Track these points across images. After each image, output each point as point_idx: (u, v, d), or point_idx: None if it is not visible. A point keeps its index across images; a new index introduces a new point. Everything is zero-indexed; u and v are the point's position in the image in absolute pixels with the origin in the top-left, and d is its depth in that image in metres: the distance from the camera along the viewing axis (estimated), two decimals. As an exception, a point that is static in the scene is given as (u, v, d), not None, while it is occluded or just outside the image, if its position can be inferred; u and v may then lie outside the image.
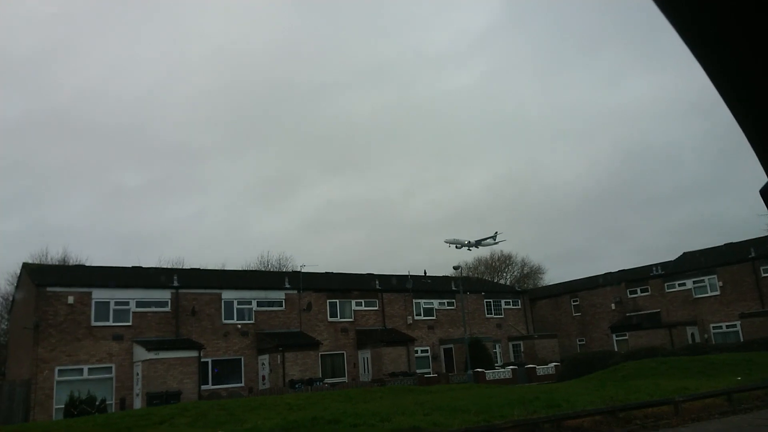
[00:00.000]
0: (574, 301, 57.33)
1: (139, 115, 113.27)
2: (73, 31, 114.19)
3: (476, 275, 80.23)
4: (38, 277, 35.58)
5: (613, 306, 53.21)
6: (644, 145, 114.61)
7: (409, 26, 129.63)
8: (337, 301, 44.13)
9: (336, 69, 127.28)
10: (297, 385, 36.23)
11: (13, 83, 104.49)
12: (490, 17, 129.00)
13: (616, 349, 46.78)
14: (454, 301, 49.47)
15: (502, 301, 53.69)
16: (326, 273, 49.15)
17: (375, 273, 50.30)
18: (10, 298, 49.92)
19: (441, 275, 58.41)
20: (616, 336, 49.58)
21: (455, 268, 48.42)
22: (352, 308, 44.75)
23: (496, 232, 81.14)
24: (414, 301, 47.86)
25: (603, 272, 58.07)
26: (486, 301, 52.35)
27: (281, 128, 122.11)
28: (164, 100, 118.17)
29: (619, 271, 56.84)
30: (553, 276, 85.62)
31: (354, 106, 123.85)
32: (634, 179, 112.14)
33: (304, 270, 46.37)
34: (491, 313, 52.39)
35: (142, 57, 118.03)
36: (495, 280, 77.06)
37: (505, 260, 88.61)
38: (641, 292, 52.01)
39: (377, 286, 46.76)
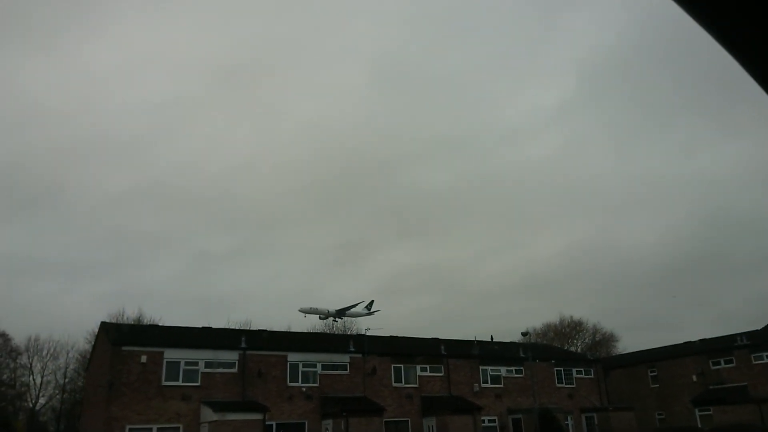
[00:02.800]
0: (651, 372, 54.24)
1: (229, 186, 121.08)
2: (175, 115, 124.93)
3: (545, 341, 77.52)
4: (114, 336, 36.88)
5: (694, 378, 49.95)
6: (725, 212, 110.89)
7: (486, 102, 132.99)
8: (402, 366, 43.40)
9: (413, 141, 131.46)
10: (360, 453, 35.41)
11: (121, 160, 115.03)
12: (566, 93, 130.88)
13: (699, 425, 43.61)
14: (522, 368, 47.74)
15: (574, 370, 51.31)
16: (391, 337, 48.68)
17: (441, 338, 49.45)
18: (88, 356, 51.88)
19: (508, 341, 56.81)
20: (699, 410, 46.33)
21: (523, 334, 47.13)
22: (417, 374, 43.84)
23: (372, 301, 73.64)
24: (481, 367, 46.48)
25: (682, 341, 55.02)
26: (556, 369, 50.19)
27: (359, 197, 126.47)
28: (251, 172, 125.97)
29: (699, 340, 53.69)
30: (627, 344, 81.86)
31: (429, 176, 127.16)
32: (714, 246, 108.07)
33: (368, 333, 46.19)
34: (562, 382, 50.10)
35: (235, 135, 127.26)
36: (565, 347, 74.15)
37: (576, 326, 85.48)
38: (725, 364, 48.70)
39: (443, 352, 45.82)
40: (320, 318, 68.02)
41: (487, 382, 46.32)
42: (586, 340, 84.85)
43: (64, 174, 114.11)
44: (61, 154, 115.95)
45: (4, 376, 68.63)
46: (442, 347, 46.53)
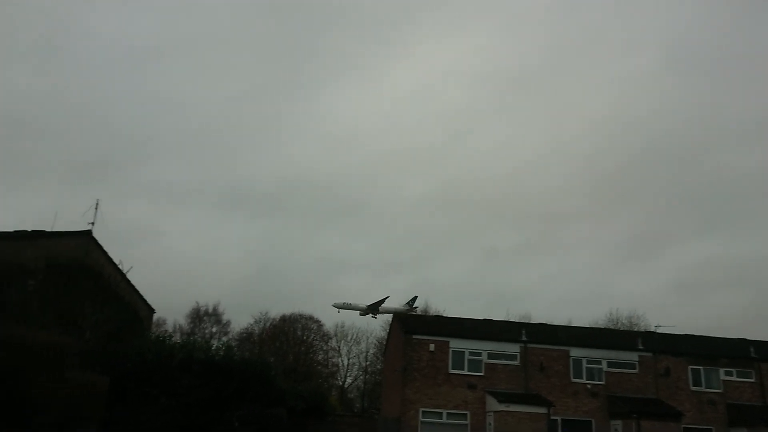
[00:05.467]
0: None
1: (516, 185, 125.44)
2: (466, 122, 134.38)
3: None
4: (406, 325, 40.21)
5: None
6: None
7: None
8: (701, 368, 39.03)
9: (716, 124, 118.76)
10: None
11: (417, 168, 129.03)
12: None
13: None
14: None
15: None
16: (685, 335, 44.18)
17: (749, 338, 43.25)
18: (384, 342, 57.65)
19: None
20: None
21: None
22: (720, 378, 39.06)
23: (415, 297, 67.85)
24: (805, 375, 39.49)
25: None
26: None
27: (651, 188, 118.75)
28: (538, 170, 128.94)
29: None
30: None
31: (739, 159, 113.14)
32: None
33: (659, 330, 42.66)
34: None
35: (522, 136, 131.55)
36: None
37: None
38: None
39: (752, 354, 40.04)
40: (360, 314, 67.44)
41: (815, 393, 39.15)
42: None
43: (372, 184, 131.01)
44: (370, 167, 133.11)
45: (319, 357, 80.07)
46: (752, 349, 40.65)
